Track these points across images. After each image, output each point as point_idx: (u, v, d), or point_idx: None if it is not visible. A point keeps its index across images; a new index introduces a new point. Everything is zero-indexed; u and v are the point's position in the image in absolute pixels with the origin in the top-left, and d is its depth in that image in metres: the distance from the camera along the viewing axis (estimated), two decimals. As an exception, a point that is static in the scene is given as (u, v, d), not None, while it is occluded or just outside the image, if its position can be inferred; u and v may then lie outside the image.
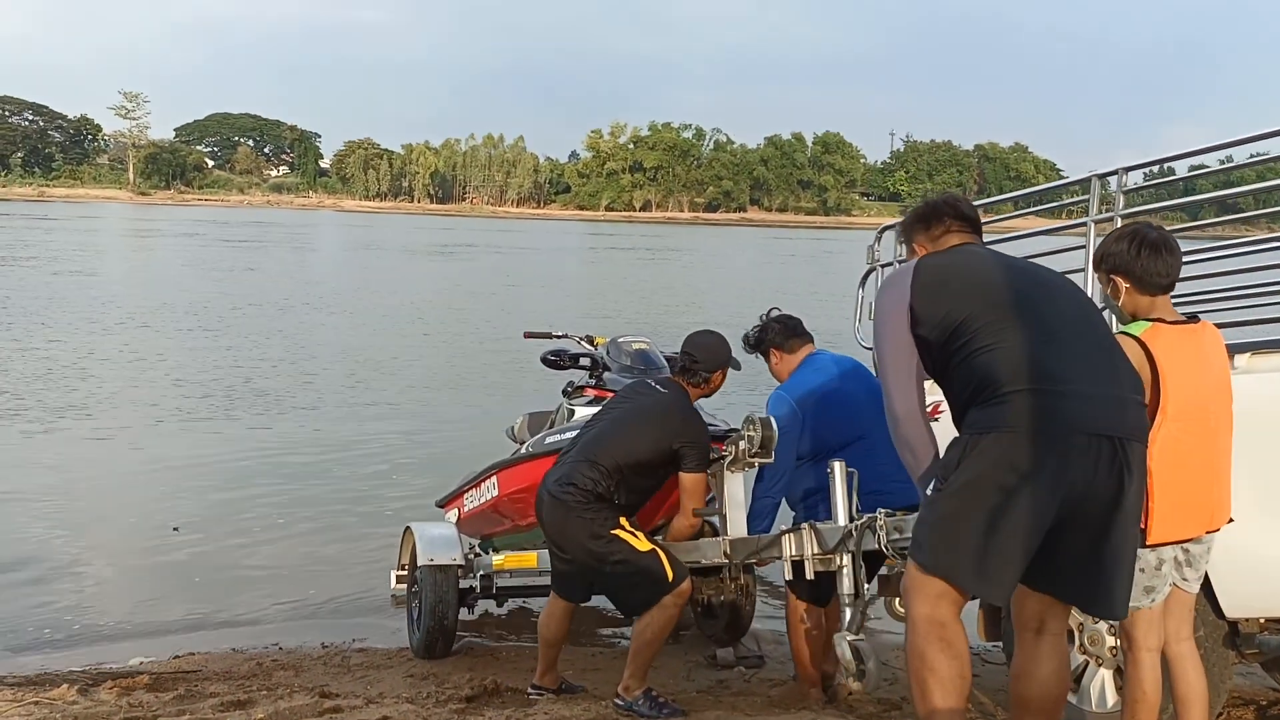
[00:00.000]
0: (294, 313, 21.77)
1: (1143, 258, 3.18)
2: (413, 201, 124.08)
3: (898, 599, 5.18)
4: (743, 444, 4.17)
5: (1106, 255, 3.27)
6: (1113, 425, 2.74)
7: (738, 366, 4.64)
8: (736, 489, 4.37)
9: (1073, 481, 2.68)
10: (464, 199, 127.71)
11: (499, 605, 6.00)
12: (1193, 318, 3.31)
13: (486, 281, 31.71)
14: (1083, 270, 4.33)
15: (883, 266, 5.24)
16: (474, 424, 10.87)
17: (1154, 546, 3.11)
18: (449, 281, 31.46)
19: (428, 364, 16.05)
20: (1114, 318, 3.35)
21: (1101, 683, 4.10)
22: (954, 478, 2.73)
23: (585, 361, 5.55)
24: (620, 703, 4.19)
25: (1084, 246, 4.31)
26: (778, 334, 4.61)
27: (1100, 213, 4.27)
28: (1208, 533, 3.23)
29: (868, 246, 5.41)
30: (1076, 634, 4.20)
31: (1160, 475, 3.01)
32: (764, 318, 4.59)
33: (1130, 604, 3.01)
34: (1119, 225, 4.22)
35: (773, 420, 4.13)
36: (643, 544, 4.19)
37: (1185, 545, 3.21)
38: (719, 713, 4.30)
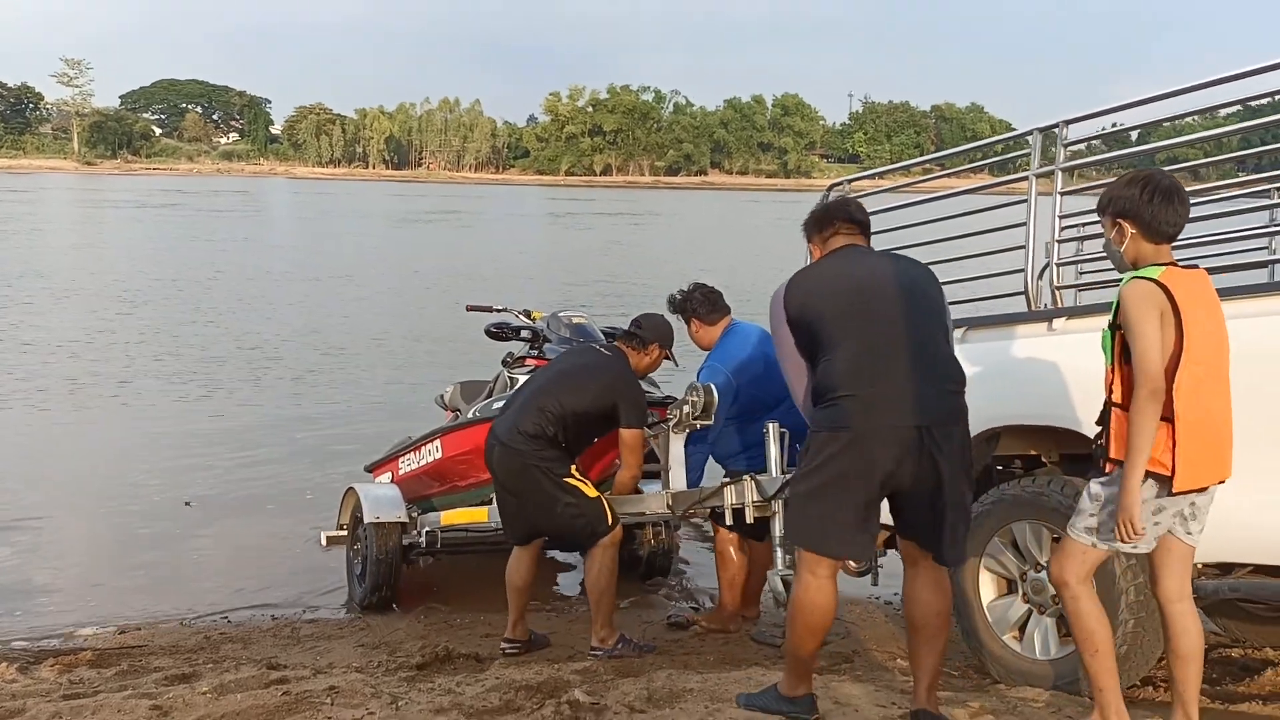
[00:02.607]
0: (237, 284, 21.45)
1: (1155, 204, 3.09)
2: (367, 168, 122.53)
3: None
4: (686, 409, 4.66)
5: (1115, 199, 3.16)
6: (920, 416, 3.30)
7: (673, 359, 5.13)
8: (679, 449, 4.81)
9: (888, 468, 3.31)
10: (420, 164, 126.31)
11: (445, 563, 6.11)
12: (1193, 265, 3.24)
13: (451, 250, 31.41)
14: (1025, 224, 4.34)
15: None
16: (415, 392, 10.80)
17: (1180, 495, 3.05)
18: (410, 250, 31.15)
19: (376, 337, 15.88)
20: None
21: (1045, 631, 4.17)
22: (801, 468, 3.42)
23: (526, 334, 5.90)
24: (601, 653, 4.54)
25: (1025, 200, 4.31)
26: (700, 304, 5.10)
27: (1041, 167, 4.26)
28: (1219, 483, 3.16)
29: (818, 204, 5.38)
30: (1020, 583, 4.26)
31: (1185, 419, 2.99)
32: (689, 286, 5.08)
33: (1106, 543, 3.11)
34: (1059, 179, 4.24)
35: (714, 387, 4.65)
36: (591, 490, 4.63)
37: (1193, 498, 3.13)
38: (672, 670, 4.32)
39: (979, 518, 4.35)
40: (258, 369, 12.93)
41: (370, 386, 12.12)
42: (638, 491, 4.87)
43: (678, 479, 4.81)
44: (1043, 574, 4.16)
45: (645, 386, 5.07)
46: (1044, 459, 4.44)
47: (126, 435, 9.69)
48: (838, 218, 3.60)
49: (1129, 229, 3.12)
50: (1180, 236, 3.15)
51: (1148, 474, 3.01)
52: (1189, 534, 3.18)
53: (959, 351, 4.50)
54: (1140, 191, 3.11)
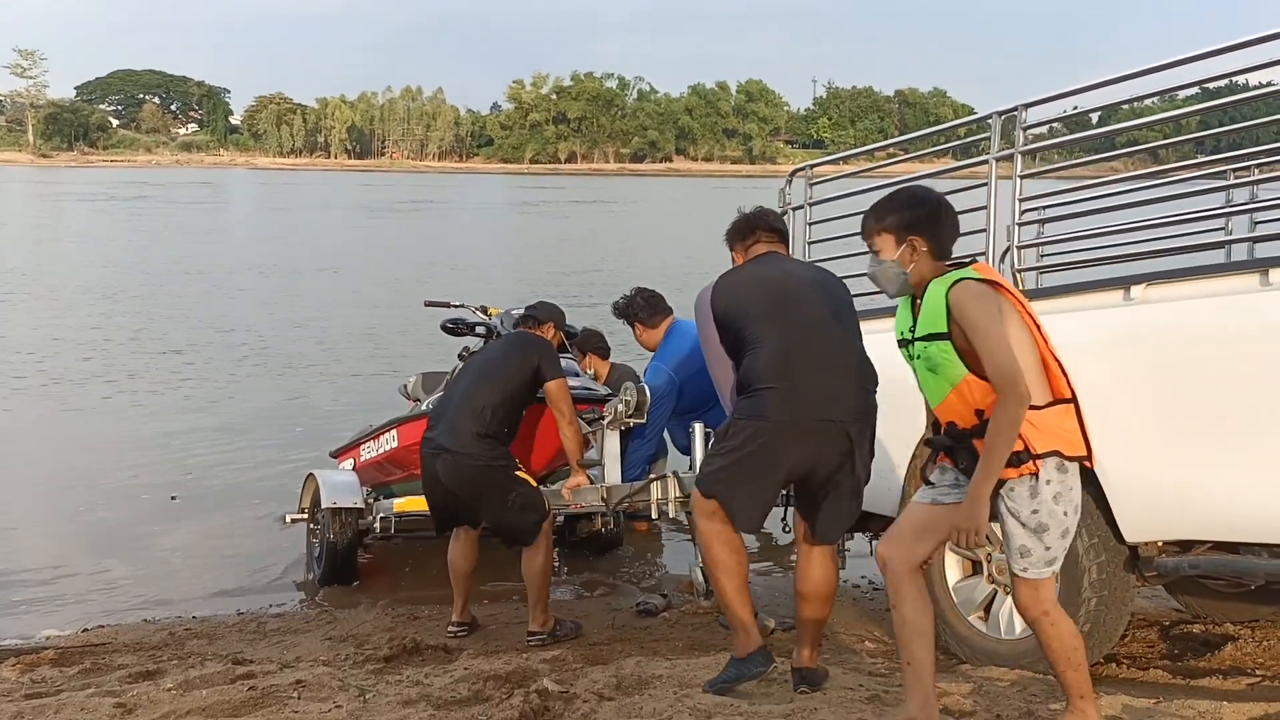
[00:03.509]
0: (221, 278, 21.21)
1: (944, 224, 3.00)
2: (329, 157, 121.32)
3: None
4: (620, 407, 4.93)
5: (903, 216, 3.00)
6: (835, 412, 3.57)
7: (570, 334, 5.57)
8: (614, 445, 5.08)
9: (800, 458, 3.60)
10: (383, 154, 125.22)
11: (411, 555, 6.20)
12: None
13: (432, 241, 31.13)
14: (985, 208, 4.36)
15: (794, 209, 5.23)
16: (378, 383, 10.74)
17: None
18: (392, 241, 30.84)
19: (344, 329, 15.75)
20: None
21: (1010, 611, 4.21)
22: (723, 444, 3.67)
23: (481, 330, 6.02)
24: (542, 638, 4.73)
25: (986, 184, 4.33)
26: (641, 308, 5.48)
27: (1002, 150, 4.29)
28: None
29: (779, 190, 5.40)
30: (985, 564, 4.31)
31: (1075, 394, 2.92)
32: (631, 291, 5.44)
33: (1038, 574, 2.93)
34: (1019, 163, 4.27)
35: (645, 387, 4.95)
36: (533, 481, 4.91)
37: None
38: (641, 657, 4.33)
39: (944, 500, 4.40)
40: (244, 363, 12.83)
41: (361, 378, 11.99)
42: (586, 467, 5.16)
43: (612, 474, 5.06)
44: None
45: (587, 385, 5.55)
46: (1007, 441, 4.47)
47: (103, 431, 9.55)
48: (759, 226, 3.89)
49: (921, 245, 2.98)
50: (1142, 218, 3.16)
51: (1072, 461, 2.89)
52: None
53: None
54: (930, 211, 3.01)
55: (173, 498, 7.49)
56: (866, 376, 3.71)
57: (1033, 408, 2.84)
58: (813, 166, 5.29)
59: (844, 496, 3.70)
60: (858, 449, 3.64)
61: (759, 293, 3.69)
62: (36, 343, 13.67)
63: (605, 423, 5.09)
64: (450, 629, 4.91)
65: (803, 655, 3.79)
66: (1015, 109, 4.18)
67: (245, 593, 5.83)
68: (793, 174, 5.37)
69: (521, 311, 5.98)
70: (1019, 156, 4.22)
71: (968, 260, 3.14)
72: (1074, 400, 2.93)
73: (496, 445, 4.76)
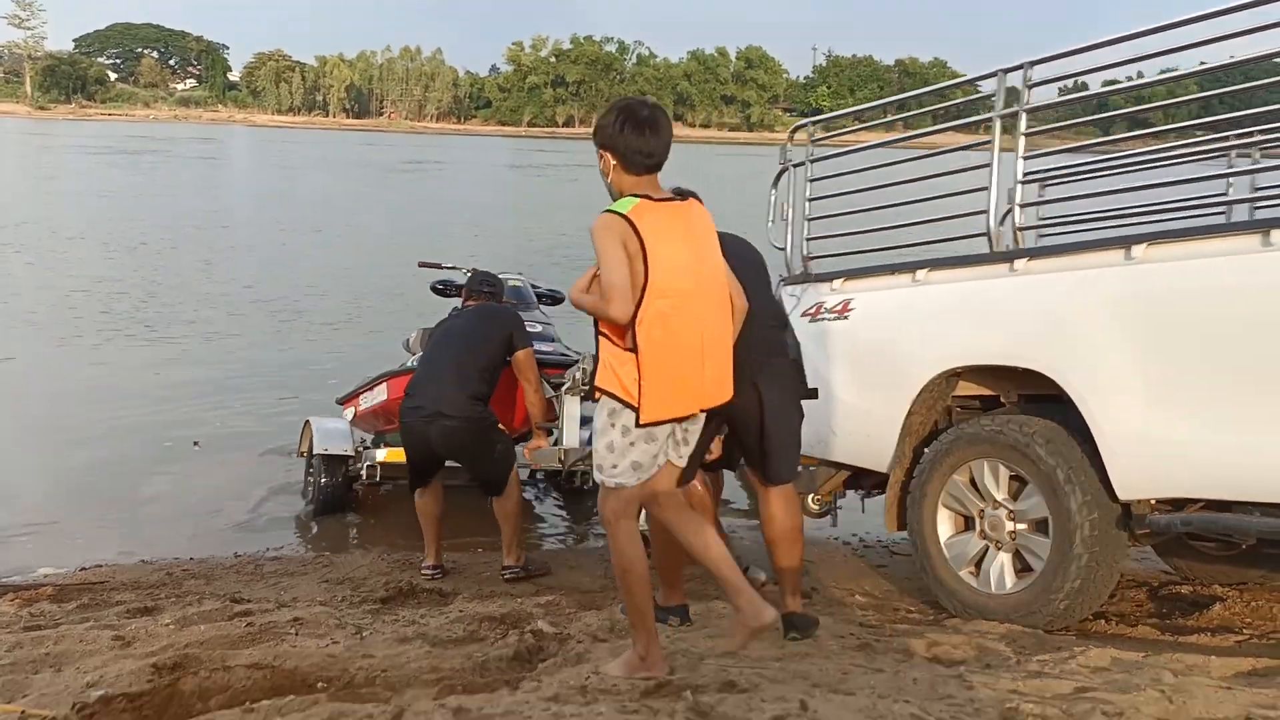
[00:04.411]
0: (246, 234, 21.08)
1: (627, 135, 3.06)
2: (327, 116, 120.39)
3: (811, 496, 5.39)
4: (577, 375, 5.23)
5: (596, 129, 3.14)
6: (744, 350, 3.36)
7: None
8: (574, 409, 5.39)
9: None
10: (381, 113, 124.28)
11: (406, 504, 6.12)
12: (681, 194, 3.21)
13: (450, 201, 30.90)
14: (988, 166, 4.36)
15: (794, 166, 5.22)
16: (383, 338, 10.72)
17: (652, 425, 3.03)
18: (407, 200, 30.62)
19: (351, 285, 15.71)
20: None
21: (1001, 566, 4.25)
22: None
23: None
24: (516, 572, 5.04)
25: (989, 143, 4.32)
26: None
27: (1006, 109, 4.27)
28: (701, 410, 3.16)
29: (780, 147, 5.38)
30: (978, 520, 4.34)
31: (647, 353, 2.98)
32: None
33: (616, 480, 3.08)
34: (1023, 121, 4.25)
35: None
36: (508, 433, 5.31)
37: (685, 424, 3.15)
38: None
39: (938, 456, 4.43)
40: (258, 315, 12.79)
41: (380, 333, 11.89)
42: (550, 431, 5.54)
43: (570, 436, 5.39)
44: (1000, 511, 4.25)
45: (561, 351, 5.89)
46: (1003, 400, 4.50)
47: (117, 377, 9.50)
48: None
49: (611, 160, 3.09)
50: (1144, 181, 3.16)
51: (625, 405, 3.01)
52: (679, 456, 3.21)
53: (920, 290, 4.59)
54: (614, 121, 3.08)
55: (195, 443, 7.52)
56: (769, 314, 3.90)
57: (614, 342, 3.01)
58: (815, 123, 5.25)
59: (775, 434, 3.80)
60: (769, 384, 3.74)
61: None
62: (50, 292, 13.59)
63: (563, 390, 5.43)
64: (425, 571, 5.06)
65: (787, 601, 3.87)
66: (1020, 66, 4.16)
67: (243, 537, 5.86)
68: (793, 131, 5.34)
69: (514, 282, 6.44)
70: (1023, 115, 4.20)
71: (690, 192, 3.22)
72: (637, 352, 3.00)
73: (484, 406, 5.13)
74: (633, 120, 3.07)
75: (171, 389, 9.11)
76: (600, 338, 3.07)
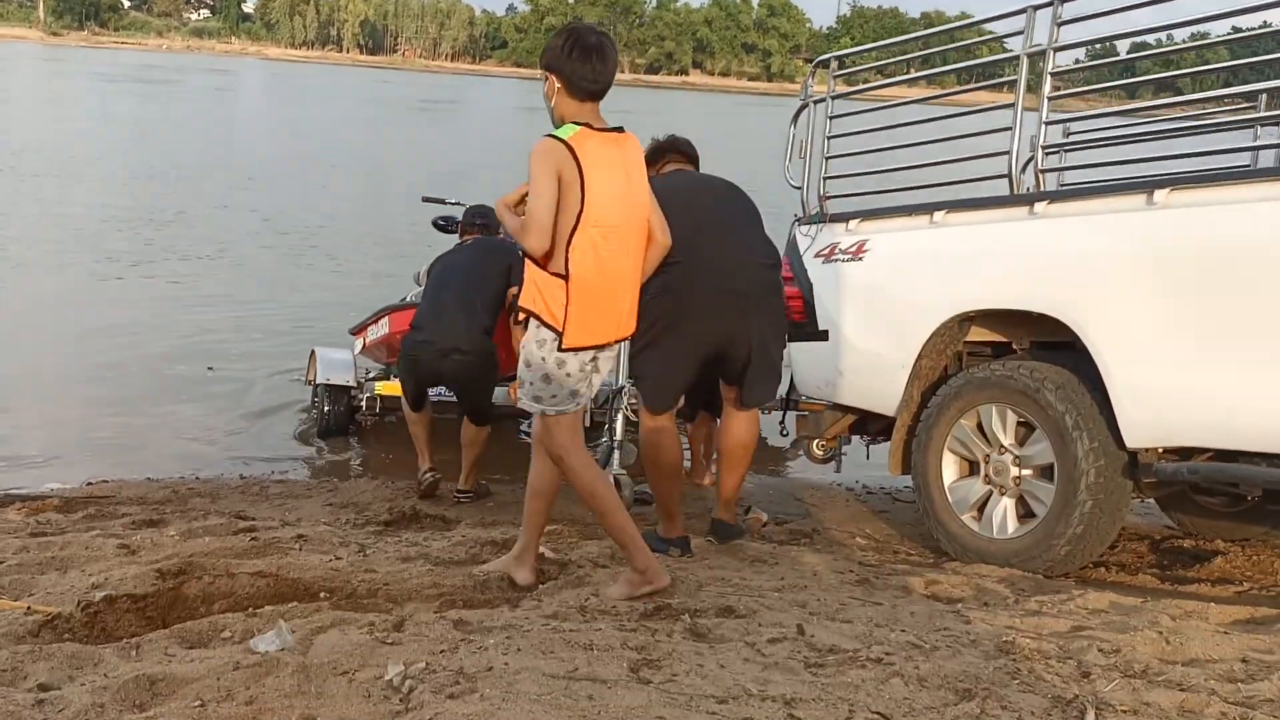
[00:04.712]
0: (278, 166, 20.95)
1: (574, 60, 3.11)
2: (341, 51, 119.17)
3: (815, 441, 5.39)
4: None
5: (544, 51, 3.20)
6: (733, 284, 3.93)
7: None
8: None
9: (704, 329, 3.93)
10: (395, 51, 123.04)
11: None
12: (619, 129, 3.26)
13: (478, 141, 30.64)
14: (1012, 105, 4.29)
15: (815, 102, 5.14)
16: (403, 264, 10.68)
17: (573, 351, 3.13)
18: (434, 139, 30.35)
19: (367, 219, 15.64)
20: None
21: (1004, 511, 4.25)
22: (639, 328, 3.56)
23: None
24: (470, 495, 5.19)
25: (1015, 80, 4.25)
26: None
27: (1031, 46, 4.19)
28: (616, 341, 3.28)
29: (802, 82, 5.30)
30: (982, 465, 4.33)
31: (577, 279, 3.07)
32: None
33: (558, 408, 3.20)
34: (1050, 58, 4.18)
35: None
36: None
37: (595, 353, 3.23)
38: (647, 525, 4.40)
39: (946, 400, 4.41)
40: (278, 249, 12.71)
41: (407, 260, 11.87)
42: None
43: None
44: (1005, 456, 4.24)
45: None
46: (1015, 346, 4.47)
47: (136, 304, 9.43)
48: (669, 149, 4.45)
49: (555, 83, 3.15)
50: (1168, 149, 3.10)
51: (550, 329, 3.11)
52: (590, 386, 3.29)
53: (937, 232, 4.55)
54: (562, 44, 3.13)
55: (209, 369, 7.54)
56: (766, 254, 4.14)
57: (542, 265, 3.09)
58: (838, 58, 5.16)
59: (764, 368, 4.10)
60: (763, 323, 4.02)
61: (663, 192, 3.79)
62: (67, 220, 13.50)
63: None
64: (425, 477, 5.17)
65: (720, 509, 4.27)
66: (1051, 2, 4.07)
67: (250, 460, 5.88)
68: (816, 66, 5.25)
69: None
70: (1051, 52, 4.12)
71: (616, 127, 3.23)
72: (566, 278, 3.08)
73: (491, 339, 5.22)
74: (581, 45, 3.12)
75: (187, 316, 9.08)
76: (527, 259, 3.13)
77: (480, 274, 5.30)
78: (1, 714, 2.25)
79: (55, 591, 3.07)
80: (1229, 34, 4.67)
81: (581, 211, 3.03)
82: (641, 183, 3.24)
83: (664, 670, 2.55)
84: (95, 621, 2.90)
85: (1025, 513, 4.21)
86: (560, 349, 3.11)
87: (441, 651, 2.60)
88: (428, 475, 5.18)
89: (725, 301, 3.92)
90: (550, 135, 3.08)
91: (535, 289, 3.12)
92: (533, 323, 3.16)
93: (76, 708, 2.30)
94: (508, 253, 5.33)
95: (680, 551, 3.96)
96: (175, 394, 7.02)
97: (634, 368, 4.12)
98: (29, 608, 2.92)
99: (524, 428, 6.28)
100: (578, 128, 3.09)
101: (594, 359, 3.23)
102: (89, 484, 5.19)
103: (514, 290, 5.19)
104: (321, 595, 3.15)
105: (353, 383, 6.19)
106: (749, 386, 4.10)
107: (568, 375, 3.15)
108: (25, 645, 2.68)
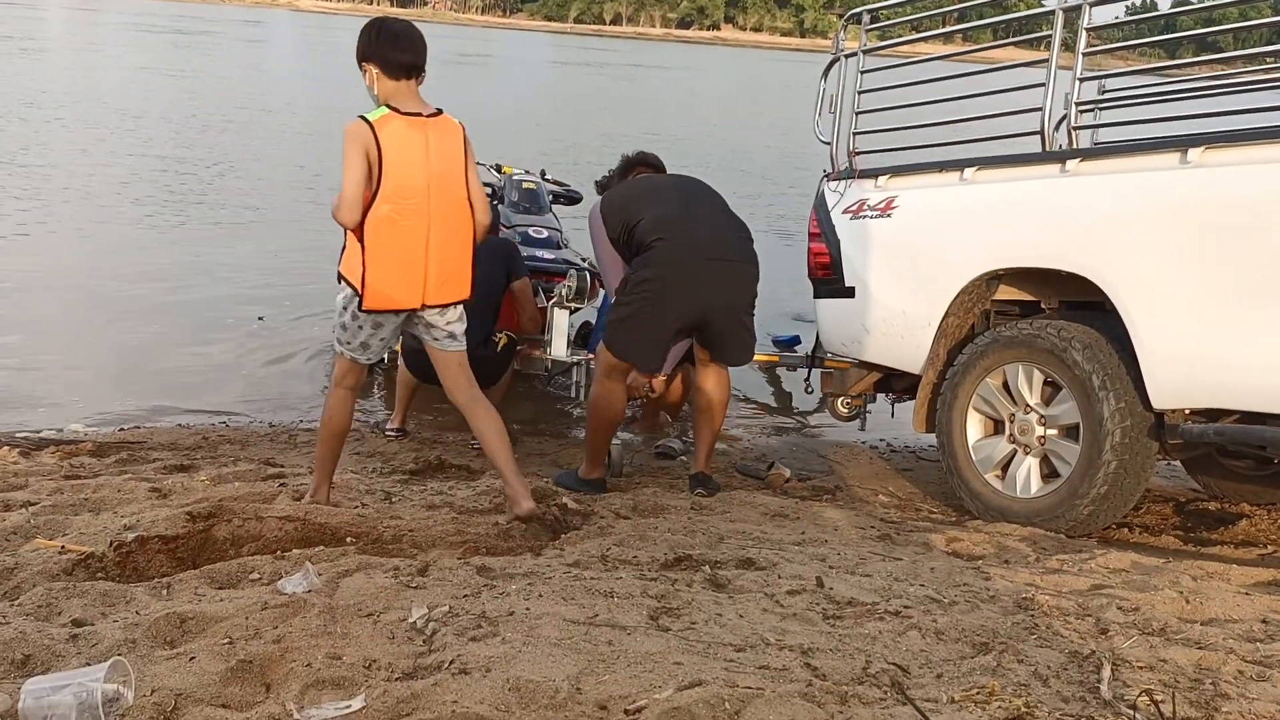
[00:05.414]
0: (282, 116, 20.92)
1: (383, 43, 3.44)
2: (372, 5, 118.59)
3: (840, 399, 5.39)
4: (564, 290, 5.53)
5: (357, 48, 3.47)
6: (717, 252, 4.24)
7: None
8: (561, 321, 5.65)
9: (689, 297, 4.18)
10: (425, 3, 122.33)
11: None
12: (437, 112, 3.53)
13: (526, 95, 30.53)
14: (1047, 60, 4.22)
15: (846, 57, 5.08)
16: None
17: (371, 313, 3.48)
18: (482, 94, 30.22)
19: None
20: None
21: (1028, 470, 4.25)
22: (620, 299, 4.29)
23: (486, 191, 6.08)
24: (396, 431, 5.38)
25: (1050, 35, 4.18)
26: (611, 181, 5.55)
27: (1067, 1, 4.12)
28: (437, 306, 3.54)
29: (833, 35, 5.24)
30: (1007, 424, 4.32)
31: (371, 250, 3.39)
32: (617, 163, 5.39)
33: (350, 354, 3.59)
34: (1086, 13, 4.10)
35: (587, 274, 5.55)
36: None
37: (424, 316, 3.55)
38: (657, 489, 4.44)
39: (972, 358, 4.39)
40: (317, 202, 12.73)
41: None
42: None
43: (558, 347, 5.69)
44: (1031, 416, 4.23)
45: (564, 258, 6.17)
46: (1043, 305, 4.44)
47: (181, 251, 9.44)
48: (638, 163, 4.92)
49: (372, 69, 3.46)
50: (1207, 85, 3.05)
51: (354, 290, 3.45)
52: (443, 346, 3.64)
53: (967, 189, 4.51)
54: (371, 34, 3.46)
55: (259, 318, 7.51)
56: (741, 226, 4.44)
57: (352, 234, 3.42)
58: (869, 12, 5.09)
59: (743, 331, 4.38)
60: (736, 286, 4.29)
61: (636, 192, 4.49)
62: (116, 169, 13.51)
63: (550, 303, 5.68)
64: (389, 432, 5.36)
65: (698, 462, 4.49)
66: (1089, -44, 3.99)
67: (277, 408, 5.95)
68: (847, 20, 5.19)
69: (527, 185, 6.71)
70: (1086, 7, 4.05)
71: (436, 111, 3.53)
72: (362, 242, 3.41)
73: (494, 345, 5.32)
74: (387, 30, 3.48)
75: (238, 268, 9.04)
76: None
77: (481, 282, 5.24)
78: (37, 646, 2.32)
79: (88, 532, 3.14)
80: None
81: (378, 188, 3.34)
82: (452, 159, 3.49)
83: (683, 619, 2.59)
84: (127, 561, 2.97)
85: (1049, 472, 4.21)
86: (360, 309, 3.46)
87: (465, 596, 2.65)
88: (392, 432, 5.36)
89: (712, 269, 4.20)
90: (361, 117, 3.39)
91: (349, 255, 3.48)
92: (343, 281, 3.53)
93: (109, 642, 2.36)
94: (506, 251, 5.45)
95: (593, 492, 4.21)
96: (217, 341, 7.04)
97: (613, 334, 4.31)
98: (63, 547, 2.99)
99: (551, 377, 6.31)
100: (385, 111, 3.40)
101: (428, 324, 3.58)
102: (121, 429, 5.27)
103: (518, 284, 5.43)
104: (348, 540, 3.20)
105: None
106: (726, 346, 4.38)
107: (360, 328, 3.53)
108: (59, 582, 2.75)
